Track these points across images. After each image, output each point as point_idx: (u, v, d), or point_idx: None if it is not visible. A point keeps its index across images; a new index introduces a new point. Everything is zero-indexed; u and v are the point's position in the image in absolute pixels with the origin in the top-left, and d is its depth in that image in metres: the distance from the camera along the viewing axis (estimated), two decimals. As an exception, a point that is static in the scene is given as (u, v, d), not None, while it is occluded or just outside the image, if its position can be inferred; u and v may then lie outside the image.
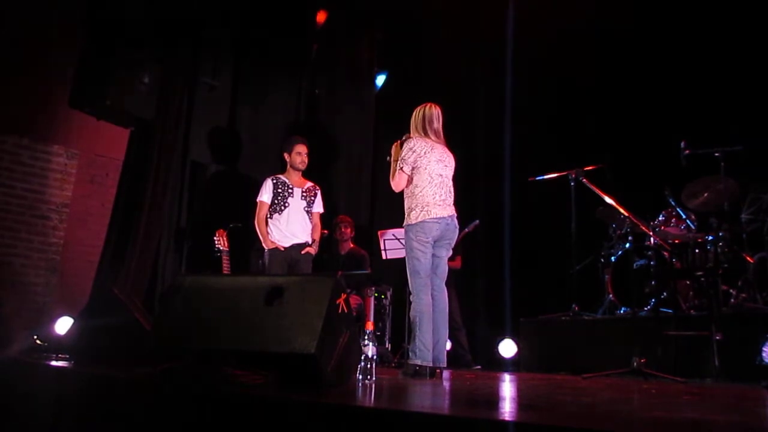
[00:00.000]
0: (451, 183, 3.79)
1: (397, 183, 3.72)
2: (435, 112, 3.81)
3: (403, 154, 3.70)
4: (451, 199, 3.75)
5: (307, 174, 4.94)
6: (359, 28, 6.79)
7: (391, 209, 4.03)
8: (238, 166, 5.88)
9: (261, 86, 6.07)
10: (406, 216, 3.70)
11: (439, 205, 3.63)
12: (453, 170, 3.84)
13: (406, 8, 6.42)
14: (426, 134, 3.76)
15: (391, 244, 5.44)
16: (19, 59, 5.43)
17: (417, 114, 3.82)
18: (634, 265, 4.74)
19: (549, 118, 6.06)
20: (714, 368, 3.76)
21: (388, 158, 3.88)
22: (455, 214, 3.73)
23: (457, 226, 3.76)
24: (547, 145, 5.89)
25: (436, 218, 3.60)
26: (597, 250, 5.39)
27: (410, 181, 3.70)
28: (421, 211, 3.60)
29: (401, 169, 3.68)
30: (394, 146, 3.86)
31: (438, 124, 3.82)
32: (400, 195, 3.79)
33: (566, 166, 5.19)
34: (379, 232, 5.61)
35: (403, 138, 3.82)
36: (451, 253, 3.79)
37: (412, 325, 3.53)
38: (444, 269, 3.72)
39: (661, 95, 5.52)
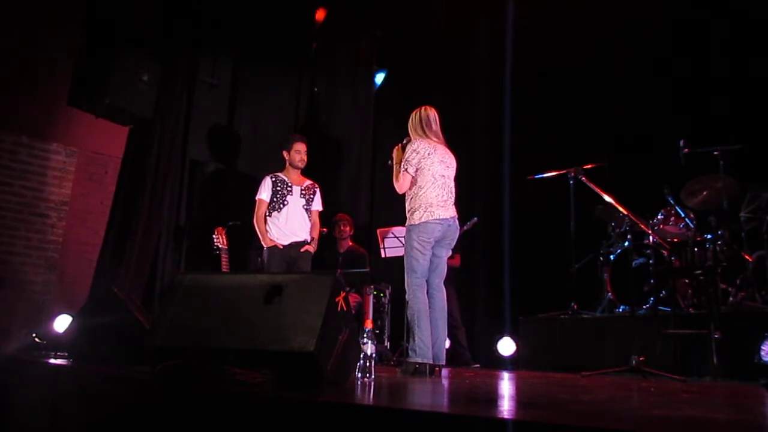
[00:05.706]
0: (452, 184, 3.81)
1: (401, 185, 3.73)
2: (432, 114, 3.83)
3: (407, 155, 3.70)
4: (452, 200, 3.76)
5: (306, 172, 4.94)
6: (359, 26, 6.77)
7: (390, 207, 4.03)
8: (237, 164, 5.86)
9: (260, 85, 6.06)
10: (408, 216, 3.71)
11: (442, 206, 3.65)
12: (455, 171, 3.85)
13: (405, 6, 6.41)
14: (427, 136, 3.77)
15: (391, 243, 5.44)
16: (17, 57, 5.42)
17: (414, 117, 3.84)
18: (633, 263, 4.74)
19: (548, 116, 6.06)
20: (713, 366, 3.77)
21: (389, 162, 3.90)
22: (456, 215, 3.75)
23: (459, 227, 3.78)
24: (546, 144, 5.89)
25: (438, 219, 3.61)
26: (596, 248, 5.38)
27: (413, 182, 3.70)
28: (425, 212, 3.61)
29: (405, 170, 3.70)
30: (395, 149, 3.88)
31: (436, 126, 3.83)
32: (400, 194, 3.80)
33: (565, 165, 5.19)
34: (378, 231, 5.61)
35: (404, 141, 3.84)
36: (450, 253, 3.81)
37: (410, 324, 3.54)
38: (443, 269, 3.74)
39: (660, 93, 5.52)
